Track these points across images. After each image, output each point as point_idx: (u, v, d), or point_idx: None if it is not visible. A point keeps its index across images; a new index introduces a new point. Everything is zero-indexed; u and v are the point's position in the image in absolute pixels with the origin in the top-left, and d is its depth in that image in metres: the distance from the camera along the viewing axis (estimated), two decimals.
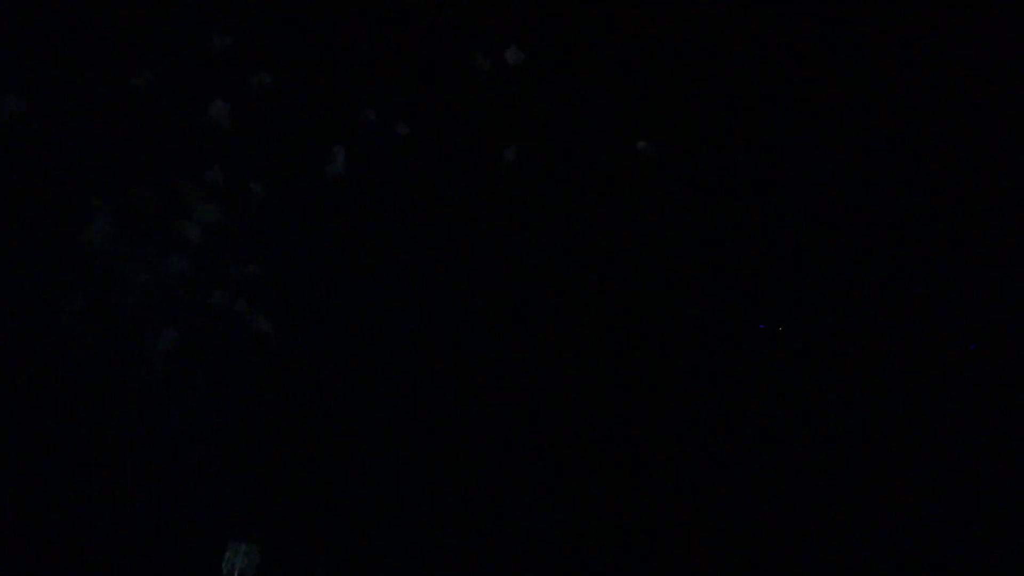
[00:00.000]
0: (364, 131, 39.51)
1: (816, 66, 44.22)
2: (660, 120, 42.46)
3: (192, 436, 33.98)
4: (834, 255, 42.34)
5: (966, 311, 40.75)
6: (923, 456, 40.02)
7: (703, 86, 43.69)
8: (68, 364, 34.18)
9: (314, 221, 38.78)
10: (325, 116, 39.53)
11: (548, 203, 39.44)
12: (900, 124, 43.71)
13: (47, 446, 33.07)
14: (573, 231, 39.90)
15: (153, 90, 35.82)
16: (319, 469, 35.34)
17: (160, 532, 31.86)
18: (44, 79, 35.39)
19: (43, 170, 35.32)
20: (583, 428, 38.44)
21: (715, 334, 41.41)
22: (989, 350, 39.86)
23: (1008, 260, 40.71)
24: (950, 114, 42.98)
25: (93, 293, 36.06)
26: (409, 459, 36.40)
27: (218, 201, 37.36)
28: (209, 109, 37.11)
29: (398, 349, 37.23)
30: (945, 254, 41.94)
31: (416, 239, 39.18)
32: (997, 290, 40.51)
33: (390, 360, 37.56)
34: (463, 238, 39.06)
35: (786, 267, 42.21)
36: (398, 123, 39.48)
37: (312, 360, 37.70)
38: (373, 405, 36.70)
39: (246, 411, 35.93)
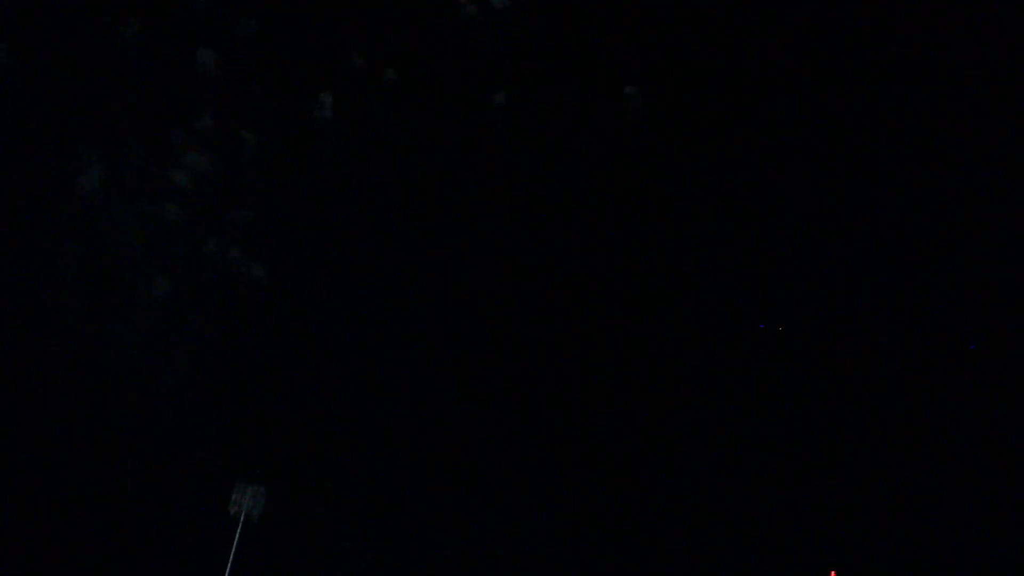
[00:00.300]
0: (351, 76, 39.51)
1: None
2: (649, 64, 42.22)
3: (191, 381, 34.52)
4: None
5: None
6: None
7: (696, 29, 42.89)
8: (64, 312, 34.44)
9: (304, 167, 38.94)
10: (312, 62, 39.42)
11: (538, 147, 39.83)
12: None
13: (46, 393, 33.48)
14: (562, 176, 40.24)
15: (140, 39, 35.65)
16: (319, 412, 36.12)
17: (167, 476, 32.63)
18: (30, 30, 35.07)
19: (33, 122, 35.18)
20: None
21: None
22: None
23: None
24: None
25: (87, 242, 36.21)
26: (405, 399, 37.21)
27: (208, 149, 37.49)
28: (196, 56, 36.99)
29: (391, 292, 37.78)
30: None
31: (405, 184, 39.48)
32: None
33: (383, 302, 38.07)
34: (452, 183, 39.45)
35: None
36: (386, 68, 39.50)
37: (306, 304, 38.10)
38: (369, 347, 37.34)
39: (242, 356, 36.46)
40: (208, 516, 34.47)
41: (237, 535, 34.26)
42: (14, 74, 34.28)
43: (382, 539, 36.66)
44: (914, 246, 40.76)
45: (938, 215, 40.77)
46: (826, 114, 41.57)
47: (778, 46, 41.91)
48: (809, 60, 41.82)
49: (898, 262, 40.69)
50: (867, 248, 40.92)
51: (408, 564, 37.38)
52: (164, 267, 37.62)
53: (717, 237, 39.15)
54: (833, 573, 37.51)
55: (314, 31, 38.28)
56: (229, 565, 34.13)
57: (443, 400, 36.72)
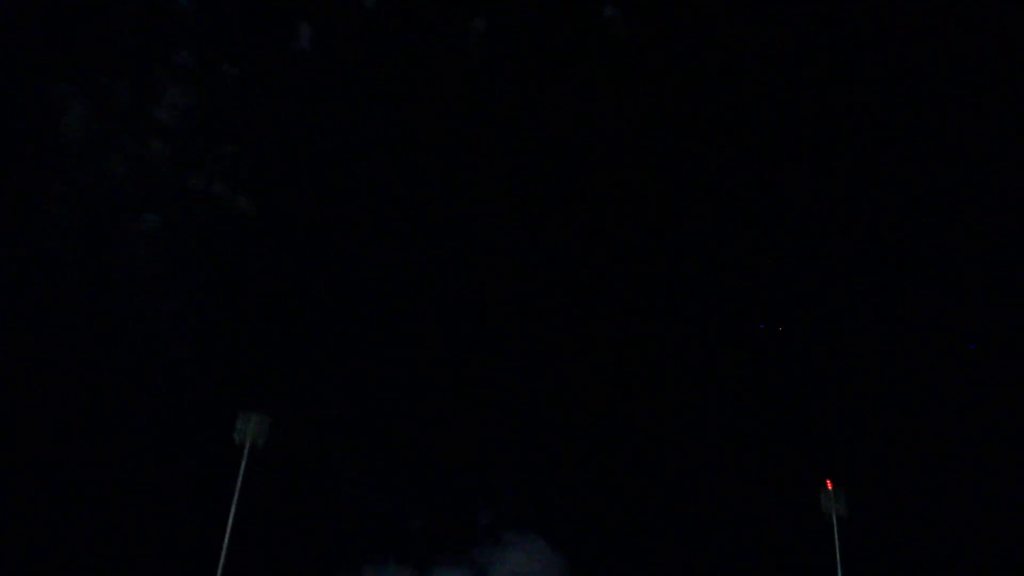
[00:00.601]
0: (329, 6, 39.23)
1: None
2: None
3: (186, 312, 34.70)
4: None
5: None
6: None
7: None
8: (54, 252, 34.31)
9: (284, 99, 38.83)
10: None
11: (518, 76, 39.96)
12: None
13: (41, 332, 33.49)
14: (545, 103, 40.35)
15: None
16: (313, 340, 36.57)
17: (172, 408, 33.03)
18: None
19: (11, 61, 34.61)
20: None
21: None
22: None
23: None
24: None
25: (72, 181, 35.96)
26: (402, 329, 37.75)
27: (189, 84, 37.22)
28: None
29: (379, 218, 38.05)
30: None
31: (387, 110, 39.51)
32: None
33: (372, 229, 38.35)
34: (434, 108, 39.55)
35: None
36: None
37: (294, 237, 38.31)
38: (360, 274, 37.69)
39: (234, 287, 36.64)
40: (214, 446, 34.80)
41: (243, 463, 34.78)
42: None
43: (383, 465, 37.44)
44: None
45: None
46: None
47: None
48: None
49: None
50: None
51: (409, 489, 38.23)
52: (150, 203, 37.48)
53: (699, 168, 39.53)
54: (829, 482, 38.81)
55: None
56: (236, 492, 34.69)
57: (436, 321, 37.29)
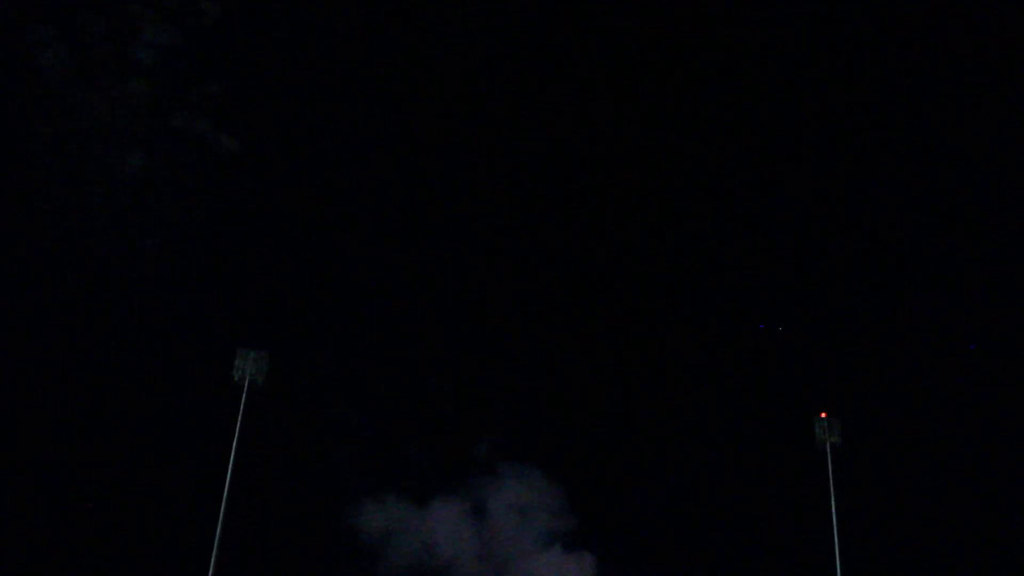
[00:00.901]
0: None
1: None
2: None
3: (176, 250, 33.95)
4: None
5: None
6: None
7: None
8: (40, 195, 33.42)
9: (266, 35, 38.13)
10: None
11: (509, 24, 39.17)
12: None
13: (31, 278, 32.57)
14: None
15: None
16: (311, 276, 36.05)
17: (169, 345, 32.33)
18: None
19: None
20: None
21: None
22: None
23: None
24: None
25: (56, 123, 34.95)
26: (396, 260, 37.32)
27: (170, 22, 36.38)
28: None
29: (368, 151, 37.49)
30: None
31: (373, 42, 38.80)
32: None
33: (359, 162, 37.76)
34: (421, 39, 38.93)
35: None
36: None
37: (282, 174, 37.61)
38: (350, 210, 37.17)
39: (224, 228, 35.96)
40: (213, 384, 34.17)
41: (243, 400, 34.21)
42: None
43: (380, 400, 37.16)
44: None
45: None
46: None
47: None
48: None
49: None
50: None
51: (407, 422, 37.97)
52: (134, 143, 36.58)
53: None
54: (824, 414, 39.04)
55: None
56: (237, 430, 34.13)
57: (430, 251, 36.90)
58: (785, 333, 41.79)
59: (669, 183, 41.22)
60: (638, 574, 39.99)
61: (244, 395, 33.91)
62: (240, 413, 33.63)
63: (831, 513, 38.20)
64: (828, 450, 39.06)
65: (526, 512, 39.28)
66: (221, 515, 32.51)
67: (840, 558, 37.70)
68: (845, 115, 42.66)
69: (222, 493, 32.51)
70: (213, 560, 31.93)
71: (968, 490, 39.36)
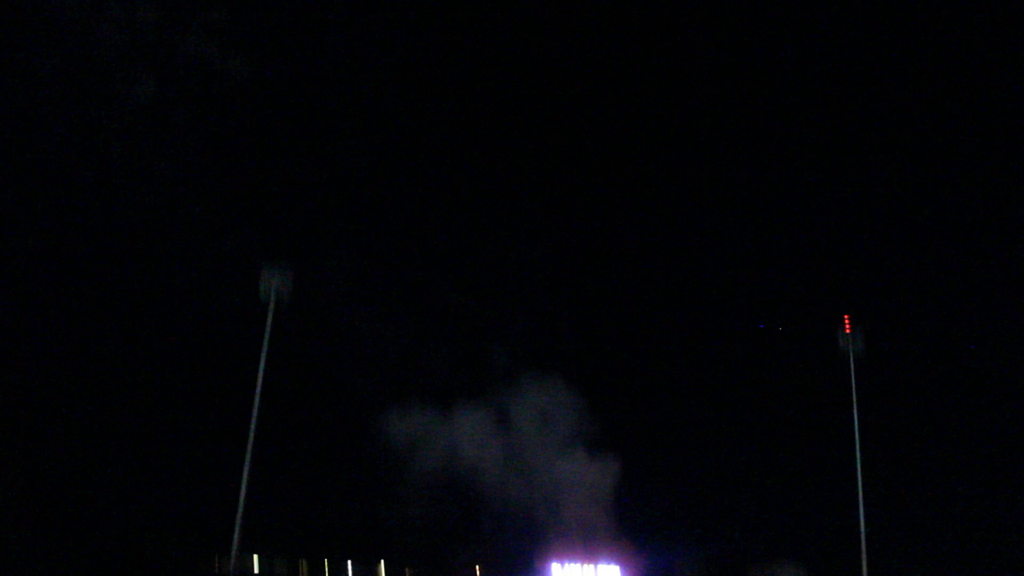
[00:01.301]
0: None
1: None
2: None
3: (190, 174, 34.23)
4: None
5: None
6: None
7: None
8: (53, 119, 33.71)
9: None
10: None
11: None
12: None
13: (50, 209, 33.16)
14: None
15: None
16: (328, 193, 36.36)
17: (197, 264, 33.06)
18: None
19: None
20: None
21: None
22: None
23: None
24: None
25: (66, 50, 34.91)
26: (412, 169, 37.26)
27: None
28: None
29: (378, 67, 37.17)
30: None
31: None
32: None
33: (371, 79, 37.50)
34: None
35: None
36: None
37: (294, 94, 37.43)
38: (363, 124, 37.04)
39: (237, 149, 36.00)
40: (240, 302, 34.93)
41: (269, 318, 35.15)
42: None
43: (401, 311, 37.92)
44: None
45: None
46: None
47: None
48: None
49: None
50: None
51: (428, 334, 38.84)
52: (145, 69, 36.45)
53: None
54: (847, 317, 39.20)
55: None
56: (265, 346, 35.20)
57: (446, 158, 36.90)
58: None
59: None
60: (661, 477, 41.19)
61: (270, 313, 34.86)
62: (267, 331, 34.65)
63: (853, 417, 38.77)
64: (851, 360, 39.34)
65: (548, 418, 40.34)
66: (252, 429, 33.90)
67: (861, 467, 38.42)
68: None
69: (251, 410, 33.86)
70: (245, 472, 33.48)
71: (996, 411, 39.60)
